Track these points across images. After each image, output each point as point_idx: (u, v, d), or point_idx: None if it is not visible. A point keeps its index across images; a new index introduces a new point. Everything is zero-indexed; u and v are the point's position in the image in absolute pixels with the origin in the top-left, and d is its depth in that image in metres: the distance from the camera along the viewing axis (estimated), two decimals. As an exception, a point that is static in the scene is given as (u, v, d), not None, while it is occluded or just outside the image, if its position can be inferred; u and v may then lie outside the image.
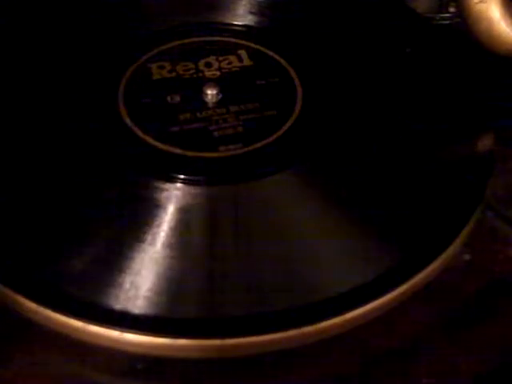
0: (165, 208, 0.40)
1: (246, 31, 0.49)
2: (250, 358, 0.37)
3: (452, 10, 0.51)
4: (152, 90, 0.46)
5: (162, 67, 0.47)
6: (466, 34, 0.46)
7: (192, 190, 0.41)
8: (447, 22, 0.51)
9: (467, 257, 0.41)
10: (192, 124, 0.44)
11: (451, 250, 0.40)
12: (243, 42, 0.48)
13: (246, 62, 0.47)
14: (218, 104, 0.45)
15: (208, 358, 0.37)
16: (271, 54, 0.48)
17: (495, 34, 0.43)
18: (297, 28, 0.49)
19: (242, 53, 0.48)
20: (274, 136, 0.43)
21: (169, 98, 0.45)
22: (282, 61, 0.47)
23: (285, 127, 0.44)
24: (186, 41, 0.49)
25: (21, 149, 0.43)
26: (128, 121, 0.44)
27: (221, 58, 0.47)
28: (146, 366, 0.37)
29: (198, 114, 0.44)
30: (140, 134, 0.43)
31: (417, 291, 0.39)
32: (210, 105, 0.45)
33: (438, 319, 0.39)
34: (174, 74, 0.46)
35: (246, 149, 0.42)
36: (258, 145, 0.43)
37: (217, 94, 0.45)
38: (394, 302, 0.39)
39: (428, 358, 0.38)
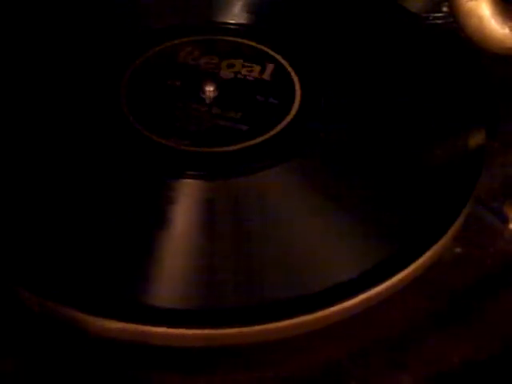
0: (166, 202, 0.41)
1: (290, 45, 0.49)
2: (249, 347, 0.38)
3: (445, 9, 0.51)
4: (154, 85, 0.46)
5: (163, 63, 0.47)
6: (459, 32, 0.46)
7: (192, 184, 0.41)
8: (441, 21, 0.52)
9: (458, 250, 0.42)
10: (191, 120, 0.44)
11: (442, 244, 0.40)
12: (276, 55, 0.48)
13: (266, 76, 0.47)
14: (217, 102, 0.45)
15: (208, 347, 0.38)
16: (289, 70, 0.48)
17: (486, 32, 0.43)
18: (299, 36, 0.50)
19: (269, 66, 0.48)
20: (273, 132, 0.44)
21: (170, 94, 0.45)
22: (284, 62, 0.47)
23: (284, 123, 0.44)
24: (185, 39, 0.49)
25: (27, 149, 0.43)
26: (129, 117, 0.44)
27: (246, 64, 0.48)
28: (152, 355, 0.37)
29: (198, 111, 0.45)
30: (141, 129, 0.44)
31: (407, 284, 0.39)
32: (208, 102, 0.45)
33: (428, 312, 0.40)
34: (175, 71, 0.47)
35: (245, 144, 0.43)
36: (257, 141, 0.43)
37: (216, 92, 0.45)
38: (385, 294, 0.39)
39: (418, 350, 0.38)
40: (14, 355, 0.38)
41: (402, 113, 0.46)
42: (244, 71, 0.47)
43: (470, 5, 0.43)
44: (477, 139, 0.45)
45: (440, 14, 0.52)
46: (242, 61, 0.48)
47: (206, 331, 0.37)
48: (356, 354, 0.38)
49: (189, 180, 0.41)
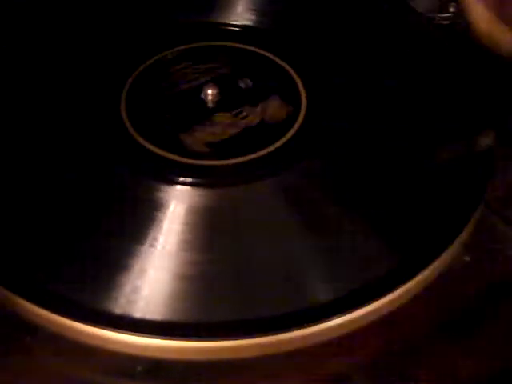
0: (165, 211, 0.40)
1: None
2: (248, 359, 0.37)
3: (452, 10, 0.51)
4: (154, 94, 0.46)
5: (164, 70, 0.47)
6: (466, 33, 0.45)
7: (192, 193, 0.41)
8: (447, 22, 0.51)
9: (467, 258, 0.41)
10: (192, 129, 0.44)
11: (451, 251, 0.40)
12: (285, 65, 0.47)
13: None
14: (219, 109, 0.45)
15: (206, 360, 0.37)
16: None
17: (496, 35, 0.43)
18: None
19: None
20: (277, 144, 0.43)
21: (171, 103, 0.45)
22: (293, 73, 0.47)
23: (287, 136, 0.43)
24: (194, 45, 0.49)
25: (25, 153, 0.43)
26: (129, 125, 0.44)
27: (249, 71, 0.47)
28: (146, 367, 0.37)
29: (200, 120, 0.44)
30: (142, 139, 0.43)
31: (417, 293, 0.39)
32: (211, 108, 0.45)
33: (438, 321, 0.39)
34: (176, 78, 0.46)
35: (245, 156, 0.42)
36: (259, 153, 0.42)
37: (218, 98, 0.45)
38: (394, 303, 0.39)
39: (428, 360, 0.38)
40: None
41: (409, 117, 0.45)
42: (247, 78, 0.46)
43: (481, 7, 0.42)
44: (486, 144, 0.44)
45: (447, 15, 0.51)
46: (244, 68, 0.47)
47: (207, 344, 0.37)
48: (364, 367, 0.38)
49: (188, 188, 0.41)
